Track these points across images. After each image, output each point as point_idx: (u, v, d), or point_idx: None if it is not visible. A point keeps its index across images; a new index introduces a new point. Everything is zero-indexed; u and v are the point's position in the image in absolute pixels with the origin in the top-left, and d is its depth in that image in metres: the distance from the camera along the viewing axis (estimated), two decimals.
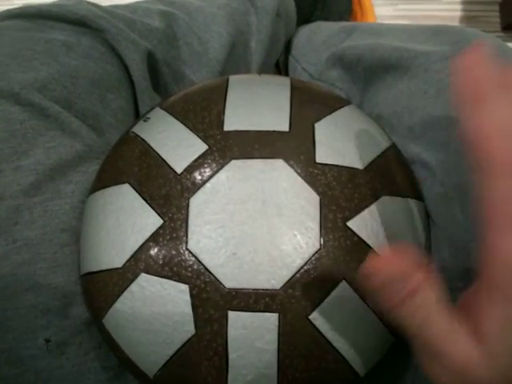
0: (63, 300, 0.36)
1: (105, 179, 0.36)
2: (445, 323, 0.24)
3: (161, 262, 0.32)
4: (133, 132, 0.37)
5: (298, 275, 0.31)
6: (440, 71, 0.38)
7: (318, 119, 0.36)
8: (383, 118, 0.42)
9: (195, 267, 0.31)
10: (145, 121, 0.38)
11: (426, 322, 0.24)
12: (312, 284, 0.31)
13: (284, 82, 0.39)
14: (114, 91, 0.43)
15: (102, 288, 0.34)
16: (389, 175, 0.35)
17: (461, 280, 0.34)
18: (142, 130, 0.37)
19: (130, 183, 0.34)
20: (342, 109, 0.37)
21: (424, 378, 0.37)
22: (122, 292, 0.33)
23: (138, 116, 0.46)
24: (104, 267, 0.34)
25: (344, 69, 0.51)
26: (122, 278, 0.33)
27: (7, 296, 0.34)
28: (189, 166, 0.33)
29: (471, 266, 0.33)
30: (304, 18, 0.70)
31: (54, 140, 0.37)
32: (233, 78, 0.39)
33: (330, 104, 0.38)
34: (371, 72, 0.46)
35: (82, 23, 0.43)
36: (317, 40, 0.59)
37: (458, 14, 0.96)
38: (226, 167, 0.33)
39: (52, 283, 0.36)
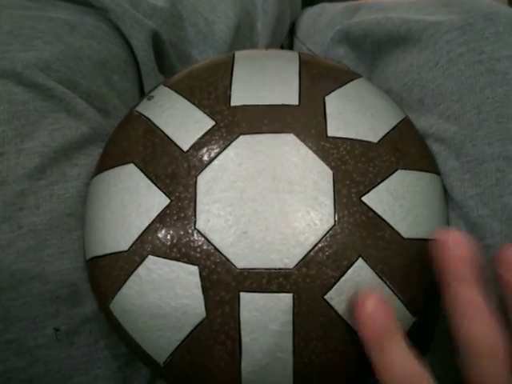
0: (72, 287, 0.35)
1: (108, 160, 0.35)
2: None
3: (168, 243, 0.31)
4: (136, 111, 0.36)
5: (312, 253, 0.30)
6: (451, 41, 0.37)
7: (329, 92, 0.34)
8: (393, 93, 0.40)
9: (204, 248, 0.30)
10: (148, 99, 0.36)
11: None
12: (327, 262, 0.30)
13: (292, 56, 0.37)
14: (119, 72, 0.42)
15: (108, 272, 0.33)
16: (403, 149, 0.34)
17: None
18: (146, 108, 0.36)
19: (134, 163, 0.33)
20: (352, 82, 0.36)
21: (442, 363, 0.35)
22: (129, 276, 0.32)
23: None
24: (109, 251, 0.32)
25: (350, 45, 0.49)
26: (128, 261, 0.32)
27: (13, 285, 0.33)
28: (195, 143, 0.32)
29: (488, 242, 0.32)
30: (308, 1, 0.68)
31: (58, 122, 0.36)
32: (239, 54, 0.38)
33: (340, 77, 0.36)
34: (379, 47, 0.44)
35: (85, 2, 0.41)
36: (322, 21, 0.58)
37: None
38: (235, 143, 0.32)
39: (60, 270, 0.34)
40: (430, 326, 0.36)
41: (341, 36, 0.50)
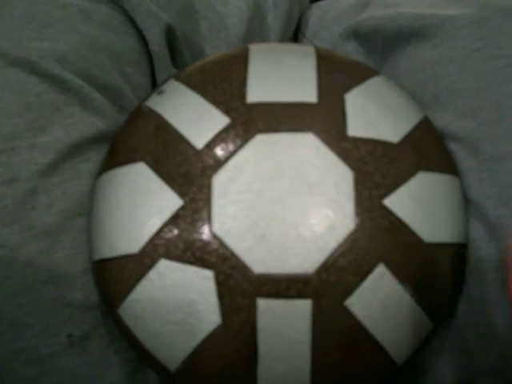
0: (84, 290, 0.33)
1: (117, 157, 0.33)
2: None
3: (182, 246, 0.29)
4: (146, 106, 0.34)
5: (332, 258, 0.29)
6: (467, 36, 0.36)
7: (348, 90, 0.33)
8: (405, 90, 0.39)
9: (220, 251, 0.29)
10: (159, 94, 0.35)
11: None
12: (347, 267, 0.29)
13: (309, 51, 0.36)
14: (133, 65, 0.40)
15: (117, 276, 0.31)
16: (424, 149, 0.33)
17: (496, 259, 0.32)
18: (157, 103, 0.34)
19: (145, 161, 0.31)
20: (372, 79, 0.35)
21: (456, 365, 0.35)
22: (140, 280, 0.30)
23: None
24: (119, 253, 0.31)
25: (359, 41, 0.48)
26: (139, 264, 0.30)
27: (24, 290, 0.31)
28: (210, 142, 0.31)
29: (507, 244, 0.31)
30: None
31: (72, 116, 0.34)
32: (253, 47, 0.36)
33: (359, 74, 0.35)
34: (389, 43, 0.43)
35: None
36: (328, 17, 0.57)
37: None
38: (251, 142, 0.30)
39: (72, 273, 0.33)
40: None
41: (349, 32, 0.48)
